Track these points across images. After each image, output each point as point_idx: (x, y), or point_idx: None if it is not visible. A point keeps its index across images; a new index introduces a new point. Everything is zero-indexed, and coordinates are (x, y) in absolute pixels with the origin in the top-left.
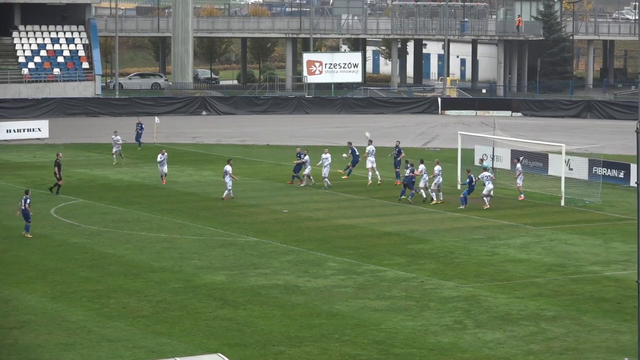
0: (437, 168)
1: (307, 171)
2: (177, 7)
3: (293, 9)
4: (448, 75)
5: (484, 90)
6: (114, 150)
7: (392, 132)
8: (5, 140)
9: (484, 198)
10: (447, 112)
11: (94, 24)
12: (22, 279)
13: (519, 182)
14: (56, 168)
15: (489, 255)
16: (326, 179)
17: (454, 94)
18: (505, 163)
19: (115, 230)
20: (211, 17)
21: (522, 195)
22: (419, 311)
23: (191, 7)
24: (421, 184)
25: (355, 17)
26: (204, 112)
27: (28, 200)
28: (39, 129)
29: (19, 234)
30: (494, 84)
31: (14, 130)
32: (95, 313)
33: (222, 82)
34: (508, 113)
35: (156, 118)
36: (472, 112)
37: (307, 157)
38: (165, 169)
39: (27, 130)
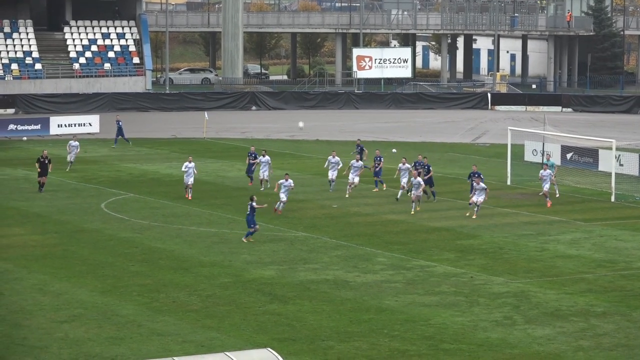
0: (417, 180)
1: (265, 175)
2: (228, 3)
3: (343, 4)
4: (498, 71)
5: (534, 86)
6: (70, 158)
7: (442, 128)
8: (57, 135)
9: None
10: (497, 107)
11: (144, 19)
12: (73, 273)
13: (546, 187)
14: (37, 164)
15: (539, 251)
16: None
17: (503, 89)
18: (555, 159)
19: (165, 224)
20: (261, 12)
21: (549, 201)
22: (468, 307)
23: (241, 3)
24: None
25: (405, 12)
26: (253, 107)
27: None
28: (89, 123)
29: (69, 228)
30: (544, 79)
31: (65, 125)
32: (145, 307)
33: (271, 77)
34: (558, 108)
35: (205, 114)
36: (522, 108)
37: (266, 158)
38: (191, 180)
39: (78, 125)
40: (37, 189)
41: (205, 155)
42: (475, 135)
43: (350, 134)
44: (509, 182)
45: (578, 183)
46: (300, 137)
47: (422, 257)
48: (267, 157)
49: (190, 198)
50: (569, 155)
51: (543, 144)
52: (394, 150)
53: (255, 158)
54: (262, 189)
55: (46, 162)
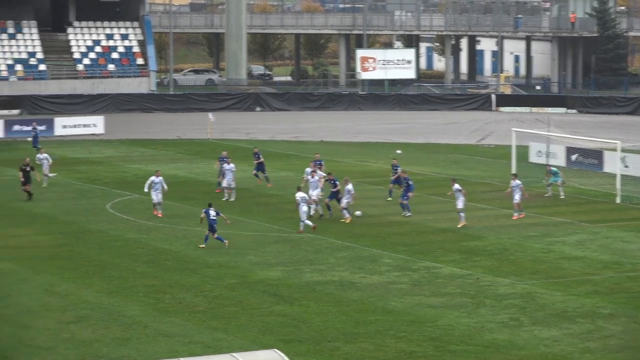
0: (348, 187)
1: (225, 183)
2: (231, 4)
3: (346, 5)
4: (502, 72)
5: (538, 87)
6: (44, 171)
7: (446, 129)
8: (61, 136)
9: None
10: (501, 108)
11: (148, 20)
12: (79, 274)
13: (517, 198)
14: (21, 173)
15: (545, 253)
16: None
17: (508, 90)
18: (560, 160)
19: (171, 225)
20: (264, 13)
21: (516, 215)
22: (475, 308)
23: (245, 4)
24: (343, 204)
25: (409, 13)
26: (257, 108)
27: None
28: (94, 124)
29: (75, 229)
30: (548, 80)
31: (70, 126)
32: (151, 308)
33: (275, 78)
34: (563, 110)
35: (210, 115)
36: (526, 109)
37: (231, 166)
38: (160, 196)
39: (83, 126)
40: (26, 198)
41: (209, 156)
42: (480, 137)
43: (355, 135)
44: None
45: (583, 184)
46: (305, 139)
47: (428, 259)
48: (231, 165)
49: (160, 215)
50: (573, 157)
51: (547, 145)
52: (398, 151)
53: (223, 161)
54: (225, 198)
55: (28, 169)
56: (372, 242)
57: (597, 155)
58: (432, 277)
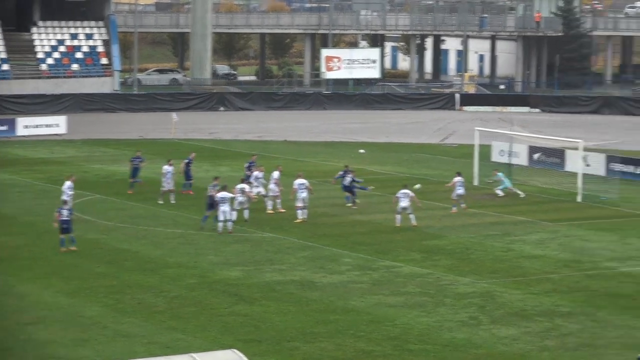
0: (299, 182)
1: (168, 186)
2: (197, 3)
3: (312, 5)
4: (466, 71)
5: (502, 86)
6: None
7: (410, 128)
8: (23, 136)
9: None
10: (465, 108)
11: (113, 20)
12: (38, 275)
13: (454, 194)
14: None
15: (505, 251)
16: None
17: (472, 90)
18: (522, 159)
19: (131, 226)
20: (230, 12)
21: (454, 209)
22: (434, 307)
23: (210, 3)
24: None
25: (374, 13)
26: (221, 108)
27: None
28: (56, 124)
29: (36, 229)
30: (513, 80)
31: (32, 126)
32: (110, 309)
33: (240, 78)
34: (526, 109)
35: (174, 115)
36: (490, 108)
37: (170, 168)
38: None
39: (45, 126)
40: None
41: (172, 156)
42: (443, 136)
43: (318, 134)
44: (475, 183)
45: (545, 183)
46: (269, 138)
47: (388, 258)
48: (171, 167)
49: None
50: (536, 156)
51: (510, 144)
52: (361, 150)
53: (137, 162)
54: (160, 201)
55: None
56: (333, 241)
57: (559, 154)
58: (392, 277)
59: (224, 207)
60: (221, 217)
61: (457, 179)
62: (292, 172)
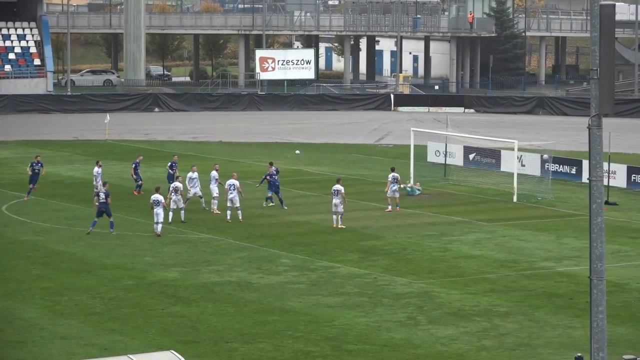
0: (229, 182)
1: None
2: (130, 4)
3: (245, 6)
4: (401, 72)
5: (436, 87)
6: None
7: (345, 129)
8: None
9: None
10: (400, 108)
11: (45, 21)
12: None
13: (389, 193)
14: None
15: (442, 252)
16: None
17: (406, 90)
18: (458, 159)
19: (67, 227)
20: (163, 13)
21: (390, 208)
22: (372, 307)
23: (143, 4)
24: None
25: (308, 14)
26: (156, 109)
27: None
28: None
29: None
30: (447, 80)
31: None
32: (47, 310)
33: (174, 79)
34: (461, 109)
35: (107, 115)
36: (424, 109)
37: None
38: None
39: None
40: None
41: (107, 157)
42: (379, 136)
43: (254, 135)
44: (411, 183)
45: (480, 184)
46: (204, 139)
47: (326, 258)
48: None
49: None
50: (471, 156)
51: (446, 144)
52: (297, 151)
53: (38, 167)
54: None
55: None
56: (270, 242)
57: (494, 154)
58: (330, 277)
59: (157, 209)
60: (155, 219)
61: (391, 175)
62: (227, 173)
